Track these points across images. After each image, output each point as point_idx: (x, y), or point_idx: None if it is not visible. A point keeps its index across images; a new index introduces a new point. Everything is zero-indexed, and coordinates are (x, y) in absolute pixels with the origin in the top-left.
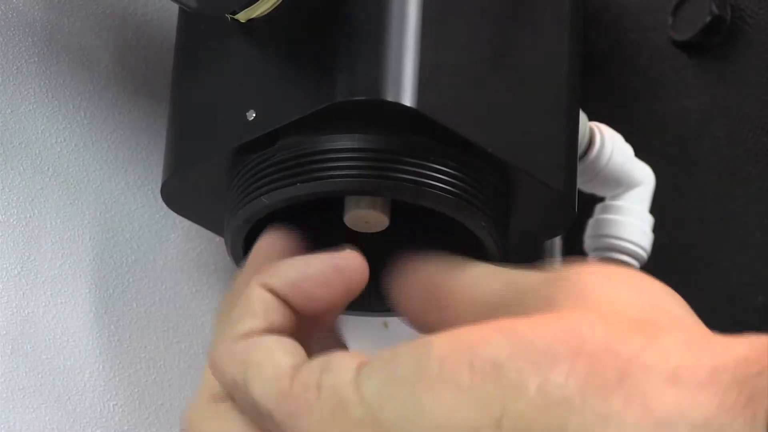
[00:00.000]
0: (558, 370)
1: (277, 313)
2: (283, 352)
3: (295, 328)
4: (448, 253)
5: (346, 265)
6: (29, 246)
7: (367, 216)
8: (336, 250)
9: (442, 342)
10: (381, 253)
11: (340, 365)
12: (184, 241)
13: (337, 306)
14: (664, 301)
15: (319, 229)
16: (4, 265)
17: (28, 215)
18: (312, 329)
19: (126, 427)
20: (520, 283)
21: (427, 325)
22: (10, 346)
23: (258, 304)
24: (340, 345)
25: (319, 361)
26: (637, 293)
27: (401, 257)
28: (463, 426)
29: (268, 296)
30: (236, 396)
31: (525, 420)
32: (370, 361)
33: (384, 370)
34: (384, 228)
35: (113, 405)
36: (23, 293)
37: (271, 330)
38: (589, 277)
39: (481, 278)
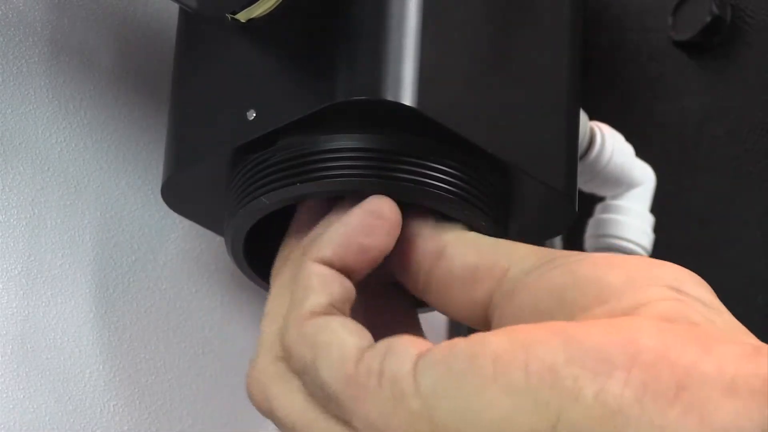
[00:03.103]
0: (615, 379)
1: (335, 284)
2: (349, 333)
3: (353, 295)
4: (433, 220)
5: (380, 207)
6: (29, 246)
7: None
8: (367, 199)
9: (497, 340)
10: None
11: (401, 352)
12: (184, 241)
13: (387, 250)
14: (696, 293)
15: None
16: (5, 265)
17: (29, 215)
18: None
19: (126, 427)
20: (529, 277)
21: (429, 303)
22: (10, 346)
23: (316, 280)
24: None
25: (384, 344)
26: (667, 289)
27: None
28: (518, 430)
29: (323, 269)
30: (306, 378)
31: (580, 428)
32: (430, 352)
33: (440, 363)
34: None
35: (113, 405)
36: (23, 293)
37: (334, 302)
38: (612, 275)
39: (480, 269)
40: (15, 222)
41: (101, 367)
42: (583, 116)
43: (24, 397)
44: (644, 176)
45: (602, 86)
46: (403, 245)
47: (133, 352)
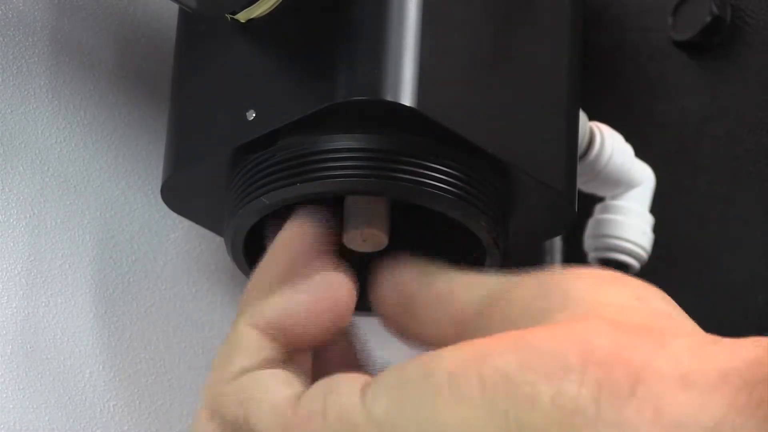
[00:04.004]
0: (570, 380)
1: (267, 349)
2: (280, 383)
3: (288, 355)
4: (425, 259)
5: (332, 297)
6: (29, 246)
7: (365, 235)
8: (323, 277)
9: (450, 354)
10: (381, 254)
11: (343, 387)
12: (184, 241)
13: (329, 334)
14: (658, 304)
15: None
16: (4, 265)
17: (28, 215)
18: (309, 351)
19: (126, 427)
20: (500, 293)
21: (403, 331)
22: (10, 346)
23: (246, 343)
24: (360, 355)
25: (320, 385)
26: (630, 298)
27: (379, 262)
28: None
29: (255, 334)
30: None
31: None
32: (376, 380)
33: (391, 387)
34: (383, 248)
35: (113, 405)
36: (23, 293)
37: (264, 365)
38: (578, 284)
39: (456, 288)
40: (15, 222)
41: (101, 367)
42: (582, 116)
43: (24, 397)
44: (644, 176)
45: (602, 86)
46: (386, 284)
47: (133, 352)
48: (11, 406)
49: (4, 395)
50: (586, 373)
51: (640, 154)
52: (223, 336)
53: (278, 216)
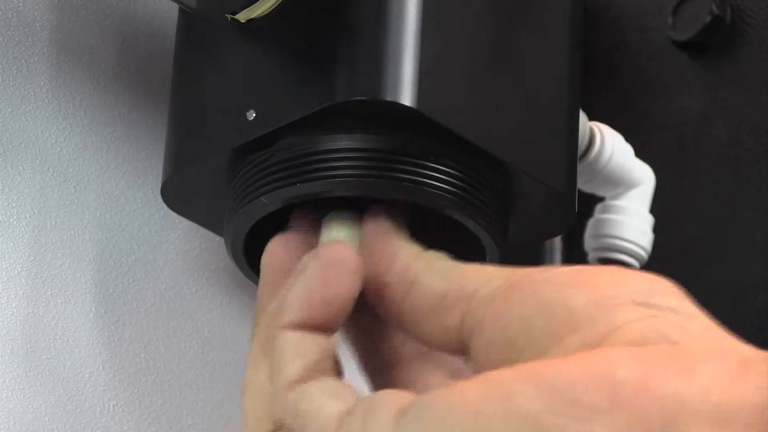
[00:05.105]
0: (600, 423)
1: (309, 348)
2: (329, 397)
3: (332, 349)
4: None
5: (334, 253)
6: (29, 246)
7: None
8: (322, 249)
9: (475, 392)
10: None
11: (380, 411)
12: (184, 241)
13: (353, 296)
14: (669, 303)
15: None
16: (4, 266)
17: (28, 215)
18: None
19: (126, 427)
20: (492, 301)
21: (397, 322)
22: (11, 346)
23: (288, 348)
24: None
25: (363, 405)
26: (639, 305)
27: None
28: None
29: (294, 335)
30: None
31: None
32: (409, 409)
33: (421, 421)
34: None
35: (113, 405)
36: (23, 293)
37: (310, 366)
38: (579, 297)
39: (430, 276)
40: (15, 222)
41: (101, 367)
42: (582, 116)
43: (24, 397)
44: (644, 176)
45: (602, 86)
46: (375, 280)
47: (133, 352)
48: (11, 406)
49: (4, 395)
50: (614, 414)
51: (640, 154)
52: (223, 336)
53: (279, 216)
